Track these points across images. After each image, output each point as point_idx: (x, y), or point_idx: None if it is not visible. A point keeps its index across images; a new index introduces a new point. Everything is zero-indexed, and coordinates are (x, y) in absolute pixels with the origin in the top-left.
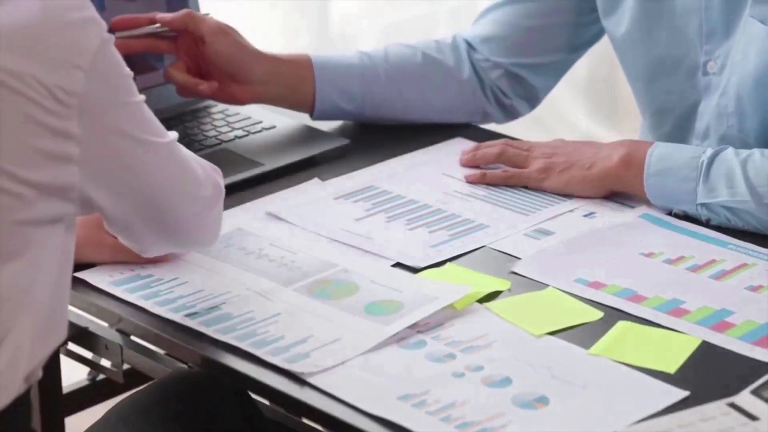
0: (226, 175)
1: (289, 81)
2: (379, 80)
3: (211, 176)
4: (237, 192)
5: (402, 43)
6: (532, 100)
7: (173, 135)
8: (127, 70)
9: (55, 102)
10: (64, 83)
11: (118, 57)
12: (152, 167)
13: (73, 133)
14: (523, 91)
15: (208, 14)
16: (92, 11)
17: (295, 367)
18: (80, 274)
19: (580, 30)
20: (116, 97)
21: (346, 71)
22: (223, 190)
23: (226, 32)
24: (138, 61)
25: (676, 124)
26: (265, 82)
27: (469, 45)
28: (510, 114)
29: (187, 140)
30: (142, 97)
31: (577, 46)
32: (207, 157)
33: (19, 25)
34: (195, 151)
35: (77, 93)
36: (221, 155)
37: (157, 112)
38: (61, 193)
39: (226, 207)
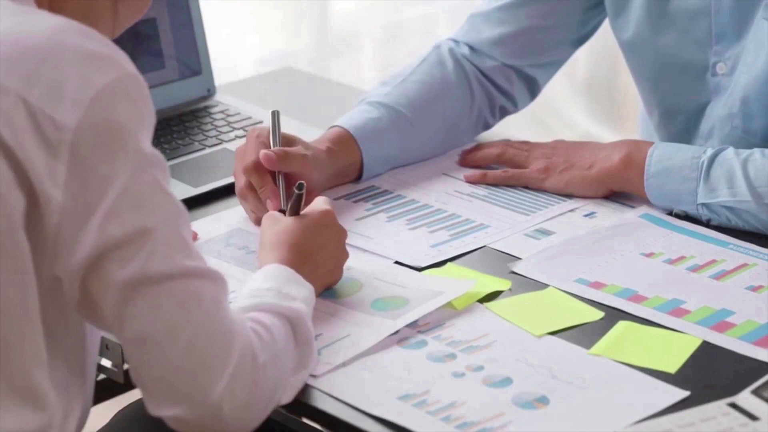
0: (226, 175)
1: (341, 170)
2: (413, 140)
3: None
4: None
5: (419, 81)
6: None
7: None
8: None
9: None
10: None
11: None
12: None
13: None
14: (528, 92)
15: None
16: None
17: None
18: None
19: (585, 25)
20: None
21: (387, 143)
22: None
23: (317, 167)
24: (137, 61)
25: (684, 125)
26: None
27: (477, 68)
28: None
29: (187, 140)
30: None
31: (582, 40)
32: (207, 157)
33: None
34: (195, 151)
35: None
36: (221, 155)
37: (157, 113)
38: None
39: (227, 207)
